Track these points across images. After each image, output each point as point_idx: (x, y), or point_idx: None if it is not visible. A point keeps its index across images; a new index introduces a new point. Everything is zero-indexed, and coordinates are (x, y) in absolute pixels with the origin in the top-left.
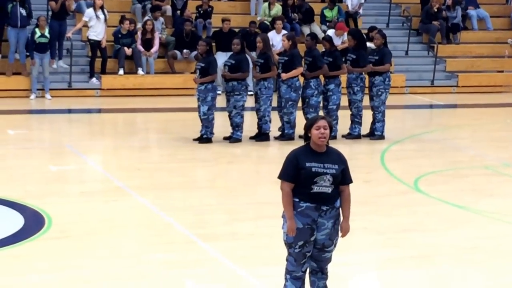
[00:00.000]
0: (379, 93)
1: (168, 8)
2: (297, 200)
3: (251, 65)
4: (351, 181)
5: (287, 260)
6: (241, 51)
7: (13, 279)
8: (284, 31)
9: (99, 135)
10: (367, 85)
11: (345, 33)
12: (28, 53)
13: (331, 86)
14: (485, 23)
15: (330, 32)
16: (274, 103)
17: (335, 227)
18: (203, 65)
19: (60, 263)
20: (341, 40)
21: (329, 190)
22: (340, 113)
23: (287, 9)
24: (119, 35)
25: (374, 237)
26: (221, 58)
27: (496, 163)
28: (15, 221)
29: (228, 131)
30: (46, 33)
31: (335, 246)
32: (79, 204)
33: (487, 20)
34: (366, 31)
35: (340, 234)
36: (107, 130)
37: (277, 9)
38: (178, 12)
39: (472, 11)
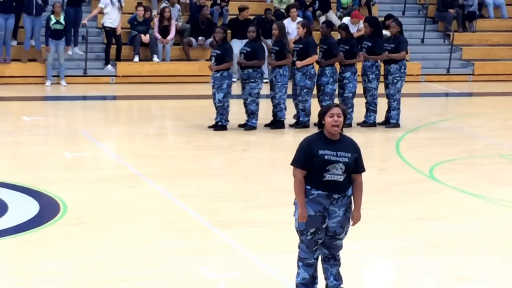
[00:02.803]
0: (395, 81)
1: None
2: (309, 187)
3: (266, 53)
4: (363, 170)
5: (299, 247)
6: (257, 39)
7: (29, 265)
8: (299, 19)
9: (114, 122)
10: (382, 73)
11: (361, 21)
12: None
13: (347, 74)
14: (501, 11)
15: (346, 20)
16: (289, 91)
17: (346, 215)
18: (218, 52)
19: (75, 249)
20: (356, 28)
21: (341, 178)
22: (355, 101)
23: None
24: (135, 22)
25: (389, 225)
26: (237, 45)
27: None
28: (30, 208)
29: (243, 118)
30: (62, 20)
31: (346, 233)
32: (94, 191)
33: (503, 8)
34: (382, 19)
35: (351, 222)
36: (122, 117)
37: None
38: None
39: None
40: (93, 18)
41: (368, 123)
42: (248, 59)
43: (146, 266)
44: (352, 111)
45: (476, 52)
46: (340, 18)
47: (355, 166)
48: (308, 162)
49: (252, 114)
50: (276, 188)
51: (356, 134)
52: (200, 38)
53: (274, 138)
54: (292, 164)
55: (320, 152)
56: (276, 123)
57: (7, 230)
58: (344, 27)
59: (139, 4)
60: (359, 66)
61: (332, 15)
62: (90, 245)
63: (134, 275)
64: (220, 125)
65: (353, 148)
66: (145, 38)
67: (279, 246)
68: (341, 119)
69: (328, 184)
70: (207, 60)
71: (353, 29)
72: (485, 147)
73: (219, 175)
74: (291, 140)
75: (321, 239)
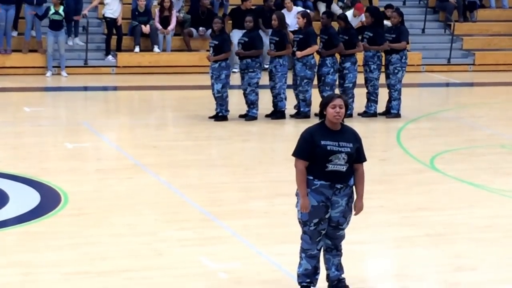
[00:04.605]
0: (396, 71)
1: None
2: (311, 178)
3: (267, 42)
4: (365, 159)
5: (302, 238)
6: (254, 28)
7: (30, 255)
8: (298, 9)
9: (115, 112)
10: (383, 63)
11: (363, 14)
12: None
13: (347, 64)
14: (502, 1)
15: (349, 13)
16: (290, 81)
17: (349, 205)
18: (216, 42)
19: (76, 240)
20: (359, 20)
21: (343, 168)
22: (356, 91)
23: None
24: (136, 13)
25: (390, 216)
26: (237, 36)
27: None
28: (31, 198)
29: (243, 109)
30: (60, 11)
31: (348, 223)
32: (95, 182)
33: None
34: (383, 9)
35: (353, 212)
36: (123, 107)
37: None
38: None
39: None
40: (93, 9)
41: (369, 113)
42: (246, 49)
43: (147, 256)
44: (353, 101)
45: (477, 42)
46: (342, 8)
47: (357, 156)
48: (310, 153)
49: (252, 104)
50: (276, 179)
51: (357, 124)
52: (200, 28)
53: (274, 129)
54: (293, 155)
55: (322, 142)
56: (277, 114)
57: (8, 220)
58: (343, 17)
59: None
60: (359, 56)
61: (334, 6)
62: (91, 236)
63: (135, 266)
64: (220, 116)
65: (355, 138)
66: (146, 28)
67: (279, 236)
68: (343, 110)
69: (331, 174)
70: (207, 50)
71: (356, 21)
72: (486, 137)
73: (219, 165)
74: (291, 131)
75: (324, 230)
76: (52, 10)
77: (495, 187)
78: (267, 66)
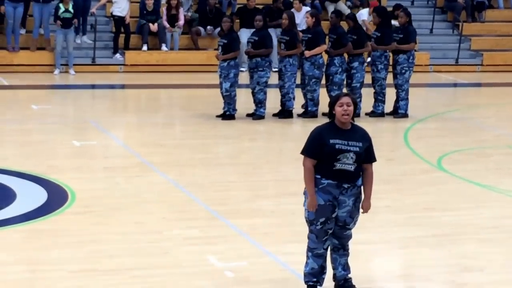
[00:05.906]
0: (403, 71)
1: None
2: (318, 176)
3: (275, 42)
4: (375, 160)
5: (308, 237)
6: (264, 27)
7: (36, 253)
8: (307, 8)
9: (122, 111)
10: (391, 63)
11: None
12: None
13: (355, 64)
14: (510, 1)
15: (364, 12)
16: (298, 81)
17: (356, 205)
18: (225, 41)
19: (83, 238)
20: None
21: (351, 167)
22: (363, 91)
23: None
24: (144, 11)
25: (397, 216)
26: (245, 35)
27: None
28: (38, 196)
29: (251, 108)
30: (70, 8)
31: (355, 223)
32: (102, 180)
33: None
34: (391, 9)
35: (360, 212)
36: (130, 106)
37: None
38: None
39: None
40: (101, 7)
41: (376, 113)
42: (255, 48)
43: (153, 255)
44: (360, 101)
45: (485, 43)
46: (350, 8)
47: (366, 156)
48: (318, 151)
49: (260, 103)
50: (284, 178)
51: (364, 124)
52: (208, 27)
53: (282, 128)
54: (302, 153)
55: (331, 141)
56: (285, 113)
57: (15, 218)
58: (352, 17)
59: None
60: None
61: (341, 5)
62: (98, 234)
63: (142, 264)
64: (228, 115)
65: (365, 138)
66: (154, 27)
67: (286, 235)
68: (351, 108)
69: (338, 173)
70: (215, 49)
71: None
72: (494, 137)
73: (227, 164)
74: (299, 130)
75: (331, 229)
76: (62, 9)
77: (502, 188)
78: (276, 70)
